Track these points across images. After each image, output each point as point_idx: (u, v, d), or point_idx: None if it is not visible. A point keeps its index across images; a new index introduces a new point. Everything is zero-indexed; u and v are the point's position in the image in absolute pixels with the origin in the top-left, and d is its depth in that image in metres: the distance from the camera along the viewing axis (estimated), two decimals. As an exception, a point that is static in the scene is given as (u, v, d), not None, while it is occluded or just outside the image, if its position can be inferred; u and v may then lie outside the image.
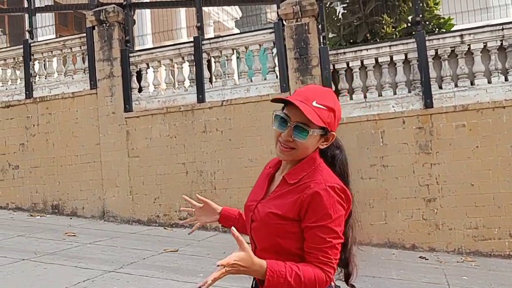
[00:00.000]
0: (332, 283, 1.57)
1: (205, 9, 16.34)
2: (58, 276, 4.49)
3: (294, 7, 7.03)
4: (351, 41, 8.96)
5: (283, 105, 1.59)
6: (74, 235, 6.46)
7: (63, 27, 16.45)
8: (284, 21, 7.22)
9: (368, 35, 9.20)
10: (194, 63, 7.58)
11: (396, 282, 4.85)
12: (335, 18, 9.27)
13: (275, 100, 1.60)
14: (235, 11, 21.68)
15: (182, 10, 15.34)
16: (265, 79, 7.35)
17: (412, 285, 4.84)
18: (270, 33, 7.32)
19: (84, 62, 8.27)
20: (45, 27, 9.24)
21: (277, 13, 7.36)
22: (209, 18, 18.03)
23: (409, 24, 9.27)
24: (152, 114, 7.76)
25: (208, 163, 7.47)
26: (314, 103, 1.50)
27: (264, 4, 7.75)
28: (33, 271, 4.64)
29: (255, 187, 1.75)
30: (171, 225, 7.49)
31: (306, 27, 7.05)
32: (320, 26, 7.19)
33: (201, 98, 7.51)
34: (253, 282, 1.65)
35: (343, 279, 1.66)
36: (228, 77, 7.58)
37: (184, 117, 7.61)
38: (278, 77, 7.28)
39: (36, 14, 8.79)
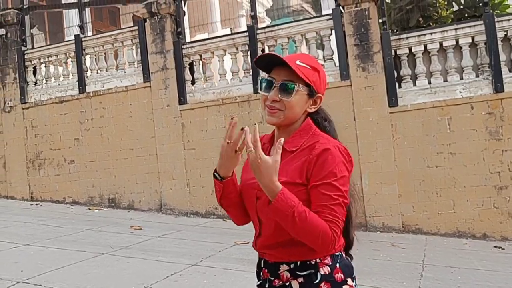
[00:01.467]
0: (343, 254, 1.56)
1: (237, -1, 16.23)
2: (142, 270, 4.49)
3: (353, -8, 6.84)
4: (403, 26, 8.74)
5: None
6: (140, 228, 6.48)
7: (98, 22, 16.62)
8: (342, 7, 7.04)
9: (420, 19, 8.96)
10: (249, 53, 7.47)
11: (485, 273, 4.70)
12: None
13: (257, 61, 1.58)
14: (266, 0, 21.48)
15: (217, 2, 15.22)
16: (324, 67, 7.19)
17: (502, 276, 4.69)
18: (328, 20, 7.15)
19: (136, 56, 8.26)
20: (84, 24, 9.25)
21: (335, -1, 7.18)
22: (241, 8, 17.90)
23: (461, 7, 8.99)
24: (207, 106, 7.71)
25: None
26: (298, 62, 1.51)
27: (321, -10, 7.55)
28: (117, 265, 4.65)
29: (248, 165, 1.63)
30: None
31: (366, 12, 6.86)
32: (380, 11, 6.98)
33: (257, 88, 7.38)
34: (259, 260, 1.63)
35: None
36: (284, 66, 7.44)
37: (240, 108, 7.53)
38: (337, 64, 7.13)
39: (86, 9, 8.78)
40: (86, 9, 13.20)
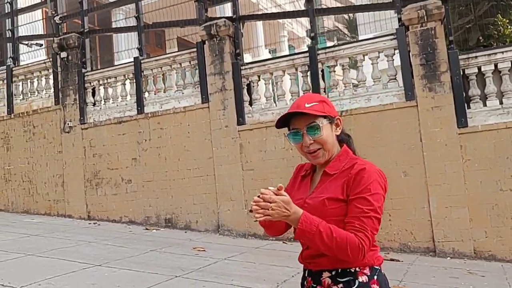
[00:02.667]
0: (382, 270, 1.72)
1: (279, 20, 16.35)
2: (221, 295, 4.41)
3: (419, 11, 6.73)
4: (463, 45, 8.53)
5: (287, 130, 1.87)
6: (204, 250, 6.42)
7: (146, 44, 17.03)
8: (406, 27, 6.92)
9: (480, 38, 8.74)
10: (310, 74, 7.43)
11: None
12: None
13: (278, 125, 1.88)
14: (306, 20, 21.57)
15: (260, 26, 15.31)
16: (387, 87, 7.06)
17: None
18: (392, 39, 7.05)
19: (194, 77, 8.35)
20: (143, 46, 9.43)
21: (398, 18, 7.08)
22: (283, 29, 18.02)
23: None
24: (266, 126, 7.67)
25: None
26: (306, 105, 1.75)
27: (383, 10, 7.47)
28: (194, 289, 4.58)
29: (294, 189, 1.89)
30: (289, 239, 7.32)
31: (433, 31, 6.73)
32: (446, 30, 6.83)
33: (318, 109, 7.32)
34: (304, 271, 1.83)
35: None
36: (346, 86, 7.37)
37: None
38: (401, 85, 6.98)
39: (143, 32, 8.98)
40: (133, 33, 13.58)
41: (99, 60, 12.48)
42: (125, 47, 13.80)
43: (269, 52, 15.39)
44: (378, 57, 7.21)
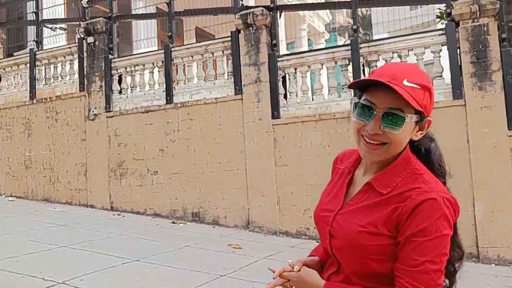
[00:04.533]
0: None
1: (300, 12, 16.04)
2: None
3: (471, 6, 6.43)
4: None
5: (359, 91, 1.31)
6: (240, 247, 6.17)
7: (164, 32, 16.74)
8: (456, 23, 6.62)
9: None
10: (352, 67, 7.15)
11: None
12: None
13: (352, 86, 1.32)
14: (326, 15, 21.22)
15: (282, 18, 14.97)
16: (432, 84, 6.77)
17: None
18: (440, 35, 6.75)
19: (227, 67, 8.07)
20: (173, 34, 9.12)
21: (446, 13, 6.78)
22: (303, 22, 17.68)
23: None
24: (303, 121, 7.39)
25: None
26: (405, 82, 1.21)
27: (432, 4, 7.16)
28: (246, 289, 4.34)
29: (328, 190, 1.45)
30: (323, 239, 7.07)
31: (485, 28, 6.42)
32: (499, 27, 6.53)
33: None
34: None
35: None
36: (388, 82, 7.07)
37: (339, 125, 7.18)
38: (448, 82, 6.70)
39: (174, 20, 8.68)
40: (153, 22, 13.27)
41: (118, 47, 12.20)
42: (144, 35, 13.53)
43: (286, 46, 15.08)
44: (424, 52, 6.92)
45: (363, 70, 7.26)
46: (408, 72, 1.25)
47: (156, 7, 15.30)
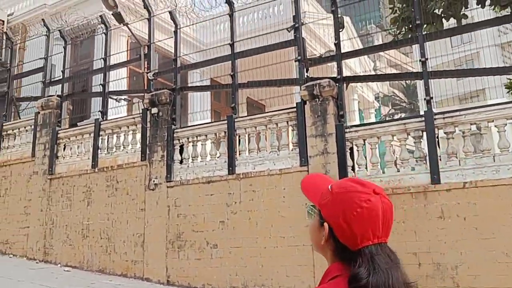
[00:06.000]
0: None
1: (352, 84, 16.06)
2: None
3: (558, 76, 6.09)
4: None
5: None
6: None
7: (217, 103, 17.14)
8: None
9: None
10: (426, 139, 6.81)
11: None
12: None
13: None
14: (376, 86, 21.28)
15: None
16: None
17: None
18: (525, 106, 6.39)
19: (291, 138, 7.92)
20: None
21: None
22: (354, 92, 17.71)
23: None
24: (374, 195, 6.98)
25: (448, 254, 6.40)
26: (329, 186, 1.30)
27: (497, 75, 6.89)
28: None
29: None
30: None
31: None
32: None
33: (436, 178, 6.62)
34: None
35: None
36: (467, 155, 6.66)
37: (414, 200, 6.73)
38: (536, 156, 6.22)
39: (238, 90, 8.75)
40: (207, 92, 13.54)
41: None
42: (198, 106, 13.79)
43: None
44: (505, 124, 6.53)
45: (438, 142, 6.90)
46: (339, 181, 1.34)
47: (211, 79, 15.82)
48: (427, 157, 6.78)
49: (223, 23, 14.96)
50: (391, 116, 39.58)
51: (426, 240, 6.55)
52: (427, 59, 7.17)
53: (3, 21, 13.94)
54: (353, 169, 7.42)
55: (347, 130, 7.45)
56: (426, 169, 6.78)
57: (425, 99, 7.03)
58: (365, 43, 23.42)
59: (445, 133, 6.84)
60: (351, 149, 7.51)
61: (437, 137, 6.92)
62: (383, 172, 7.18)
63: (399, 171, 7.01)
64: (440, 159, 6.79)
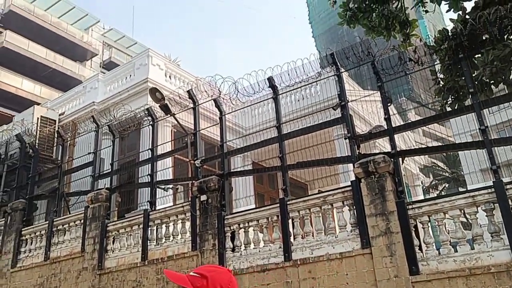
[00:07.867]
0: None
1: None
2: None
3: None
4: None
5: None
6: None
7: (259, 185, 16.96)
8: None
9: None
10: (501, 212, 6.28)
11: None
12: None
13: None
14: (419, 157, 20.72)
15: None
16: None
17: None
18: None
19: (349, 218, 7.51)
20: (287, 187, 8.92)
21: None
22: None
23: None
24: (449, 277, 6.37)
25: None
26: (192, 273, 1.76)
27: None
28: None
29: None
30: None
31: None
32: None
33: (517, 256, 6.00)
34: None
35: None
36: (549, 227, 6.06)
37: (496, 281, 6.06)
38: None
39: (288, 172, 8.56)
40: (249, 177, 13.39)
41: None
42: (242, 192, 13.56)
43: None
44: None
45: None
46: (201, 267, 1.83)
47: (254, 162, 15.79)
48: (501, 231, 6.21)
49: (261, 107, 15.26)
50: (434, 187, 38.24)
51: (519, 328, 5.78)
52: (486, 127, 6.86)
53: (55, 121, 14.68)
54: (420, 248, 6.87)
55: (410, 206, 7.01)
56: (504, 245, 6.17)
57: (491, 168, 6.59)
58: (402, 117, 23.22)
59: (520, 204, 6.31)
60: (415, 226, 7.02)
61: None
62: (456, 251, 6.59)
63: (473, 249, 6.41)
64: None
